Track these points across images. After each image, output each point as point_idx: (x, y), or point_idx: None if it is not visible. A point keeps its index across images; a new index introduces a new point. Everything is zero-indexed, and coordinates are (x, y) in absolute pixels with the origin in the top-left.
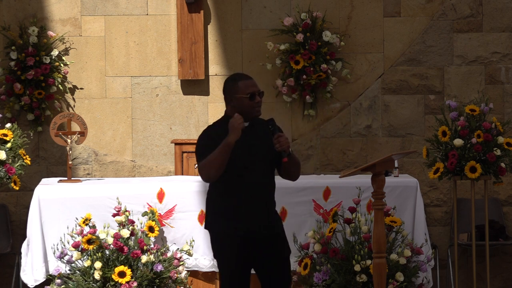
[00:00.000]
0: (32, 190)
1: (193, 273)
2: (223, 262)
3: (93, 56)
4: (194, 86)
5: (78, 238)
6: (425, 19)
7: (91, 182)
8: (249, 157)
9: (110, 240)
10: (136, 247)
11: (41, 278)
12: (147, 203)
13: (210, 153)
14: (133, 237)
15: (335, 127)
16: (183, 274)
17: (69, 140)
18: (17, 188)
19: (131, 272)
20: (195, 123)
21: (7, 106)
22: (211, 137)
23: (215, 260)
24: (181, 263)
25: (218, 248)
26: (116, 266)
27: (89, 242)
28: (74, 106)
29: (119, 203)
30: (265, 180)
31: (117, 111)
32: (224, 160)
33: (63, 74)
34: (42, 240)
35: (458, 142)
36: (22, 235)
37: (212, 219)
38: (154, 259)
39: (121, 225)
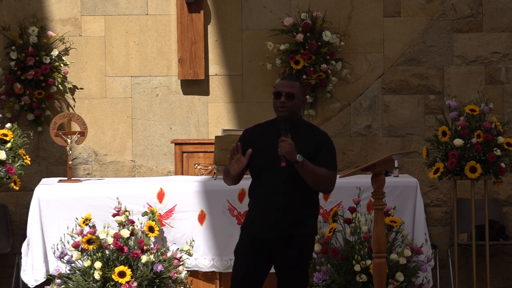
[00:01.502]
0: (32, 190)
1: (193, 273)
2: (235, 259)
3: (93, 56)
4: (194, 86)
5: (78, 238)
6: (425, 19)
7: (91, 182)
8: (271, 160)
9: (110, 240)
10: (136, 247)
11: (42, 278)
12: (147, 203)
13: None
14: (133, 237)
15: (335, 127)
16: (183, 274)
17: (69, 140)
18: (17, 188)
19: (131, 272)
20: (195, 123)
21: (7, 106)
22: (242, 137)
23: (215, 260)
24: (181, 263)
25: (237, 244)
26: (116, 266)
27: (89, 242)
28: (74, 106)
29: (119, 203)
30: (283, 183)
31: (117, 111)
32: (229, 180)
33: (63, 74)
34: (42, 240)
35: (458, 142)
36: (22, 235)
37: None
38: (154, 259)
39: (121, 225)
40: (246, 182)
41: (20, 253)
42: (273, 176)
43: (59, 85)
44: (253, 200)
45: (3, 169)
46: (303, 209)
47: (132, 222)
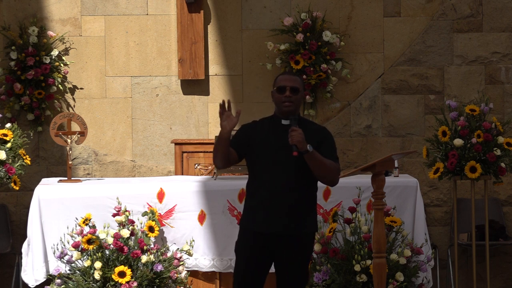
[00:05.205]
0: (32, 190)
1: (193, 273)
2: (236, 257)
3: (93, 56)
4: (194, 86)
5: (78, 238)
6: (425, 19)
7: (91, 182)
8: (274, 156)
9: (110, 240)
10: (136, 247)
11: (42, 278)
12: (147, 203)
13: (233, 141)
14: (133, 237)
15: (335, 127)
16: (183, 274)
17: (69, 140)
18: (17, 188)
19: (131, 272)
20: (195, 123)
21: (7, 106)
22: (242, 129)
23: (215, 260)
24: (181, 263)
25: (237, 241)
26: (116, 266)
27: (89, 242)
28: (74, 106)
29: (119, 203)
30: (287, 181)
31: (117, 111)
32: (219, 151)
33: (63, 74)
34: (42, 240)
35: (458, 142)
36: (22, 235)
37: (242, 214)
38: (154, 259)
39: (121, 225)
40: (245, 182)
41: (20, 253)
42: (275, 174)
43: (59, 85)
44: (255, 197)
45: (3, 169)
46: (304, 207)
47: (132, 222)
